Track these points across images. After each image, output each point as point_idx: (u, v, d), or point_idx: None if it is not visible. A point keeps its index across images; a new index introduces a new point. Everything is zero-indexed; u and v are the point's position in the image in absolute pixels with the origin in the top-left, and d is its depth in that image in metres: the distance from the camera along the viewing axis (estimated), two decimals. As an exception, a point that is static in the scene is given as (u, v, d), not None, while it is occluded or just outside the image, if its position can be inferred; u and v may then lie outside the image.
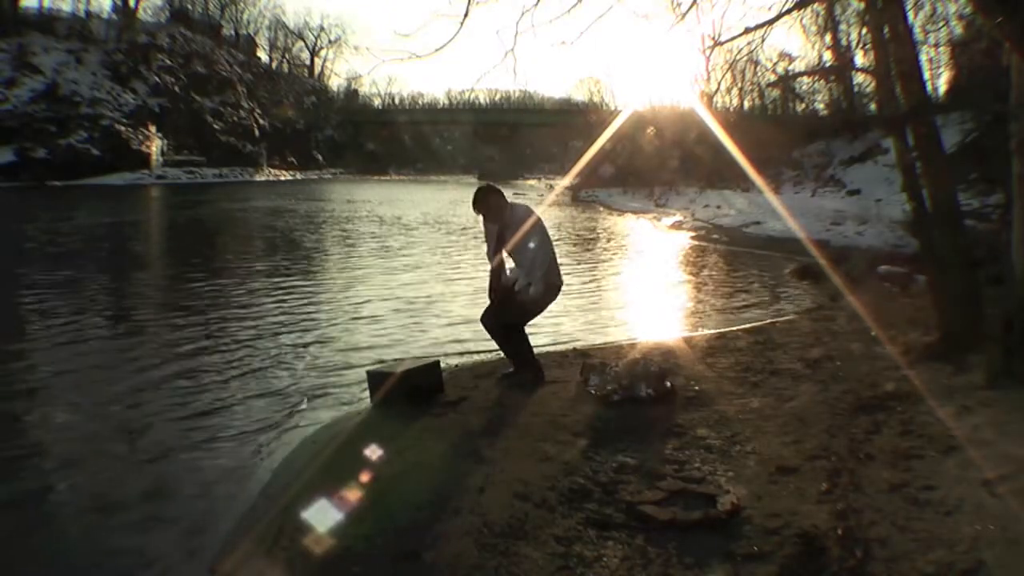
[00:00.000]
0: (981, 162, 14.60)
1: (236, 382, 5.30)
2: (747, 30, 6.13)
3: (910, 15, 6.84)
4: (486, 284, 5.19)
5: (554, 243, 5.16)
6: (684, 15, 6.30)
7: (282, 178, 57.61)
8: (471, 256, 12.95)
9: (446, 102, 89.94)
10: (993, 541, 2.57)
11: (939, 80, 25.88)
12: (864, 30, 18.44)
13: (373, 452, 3.84)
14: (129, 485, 3.66)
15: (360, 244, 15.50)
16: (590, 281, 10.89)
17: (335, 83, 78.92)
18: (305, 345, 6.44)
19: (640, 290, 10.54)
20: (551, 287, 5.05)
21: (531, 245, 4.94)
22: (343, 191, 40.69)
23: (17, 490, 3.63)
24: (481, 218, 5.13)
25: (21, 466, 3.92)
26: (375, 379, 4.77)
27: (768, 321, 7.72)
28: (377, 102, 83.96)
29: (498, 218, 5.03)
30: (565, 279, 5.32)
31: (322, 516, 3.14)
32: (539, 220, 5.04)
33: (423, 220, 22.20)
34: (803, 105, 34.03)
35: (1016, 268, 4.94)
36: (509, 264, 5.13)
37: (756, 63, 23.52)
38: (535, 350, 5.25)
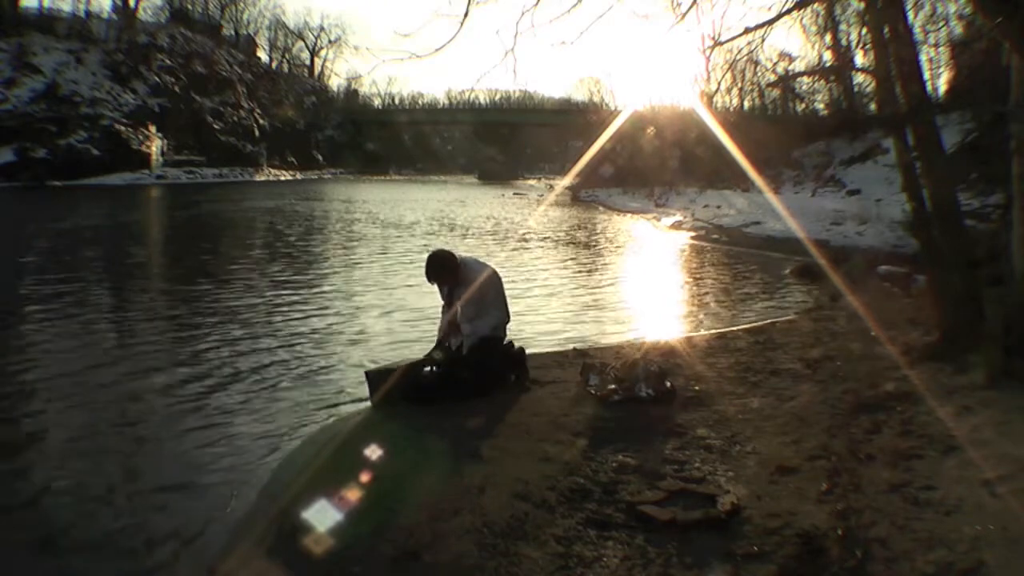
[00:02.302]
0: (981, 162, 14.60)
1: (235, 383, 5.29)
2: (747, 30, 6.13)
3: (910, 15, 6.84)
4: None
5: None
6: (684, 15, 6.30)
7: (282, 178, 57.60)
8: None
9: (446, 102, 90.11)
10: (993, 541, 2.57)
11: (939, 80, 25.91)
12: (864, 30, 18.43)
13: (373, 452, 3.85)
14: (128, 485, 3.66)
15: (360, 246, 15.49)
16: (590, 281, 10.88)
17: (335, 83, 79.12)
18: (304, 346, 6.43)
19: (640, 290, 10.53)
20: (497, 339, 5.02)
21: (488, 302, 4.95)
22: (343, 191, 40.69)
23: (16, 491, 3.63)
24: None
25: (20, 467, 3.93)
26: (374, 379, 4.77)
27: (768, 321, 7.71)
28: (377, 102, 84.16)
29: (451, 281, 5.01)
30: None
31: (322, 516, 3.15)
32: (493, 274, 5.05)
33: (422, 221, 22.18)
34: (803, 105, 34.04)
35: (1016, 268, 4.94)
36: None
37: (756, 63, 23.50)
38: (534, 350, 5.25)
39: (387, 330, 7.14)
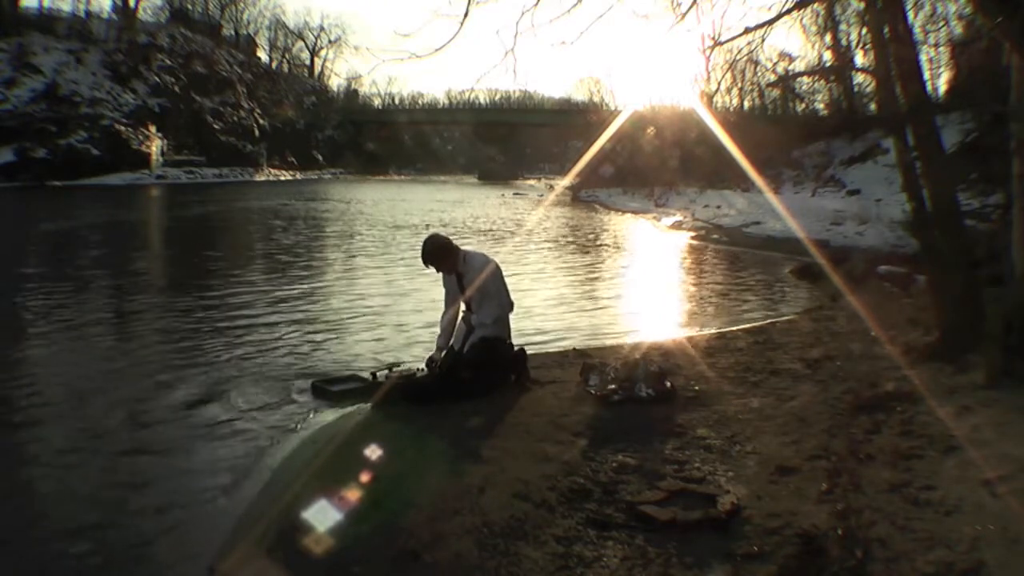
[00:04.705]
0: (981, 162, 14.60)
1: (234, 384, 5.28)
2: (747, 30, 6.13)
3: (910, 15, 6.84)
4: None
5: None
6: (684, 15, 6.30)
7: (282, 178, 57.57)
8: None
9: (446, 102, 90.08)
10: (993, 541, 2.57)
11: (939, 80, 25.91)
12: (864, 30, 18.45)
13: (373, 452, 3.84)
14: (129, 485, 3.66)
15: (359, 247, 15.51)
16: (590, 281, 10.89)
17: (335, 83, 79.14)
18: (304, 348, 6.42)
19: (640, 290, 10.53)
20: (499, 339, 5.02)
21: (490, 293, 4.98)
22: (343, 192, 40.68)
23: (15, 491, 3.63)
24: (434, 270, 5.12)
25: (20, 468, 3.93)
26: (320, 390, 4.93)
27: (768, 321, 7.72)
28: (377, 102, 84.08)
29: (452, 267, 5.03)
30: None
31: (322, 516, 3.15)
32: (496, 268, 5.08)
33: (423, 224, 22.17)
34: (803, 105, 34.02)
35: (1016, 268, 4.95)
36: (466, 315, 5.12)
37: (756, 63, 23.46)
38: (534, 350, 5.24)
39: (385, 333, 7.13)
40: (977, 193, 14.79)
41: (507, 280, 5.26)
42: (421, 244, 5.10)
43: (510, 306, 5.16)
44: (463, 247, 5.19)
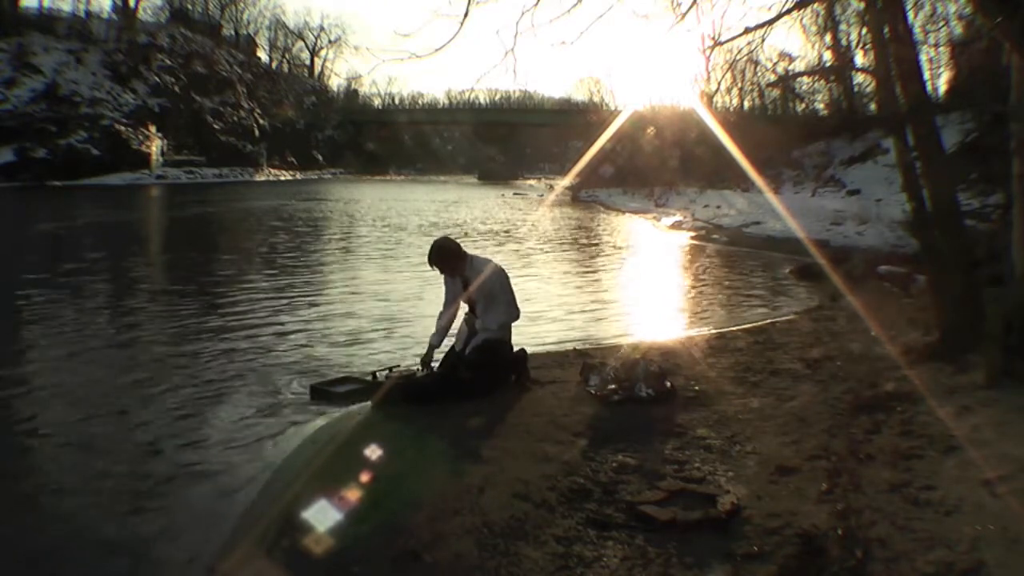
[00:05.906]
0: (981, 162, 14.60)
1: (234, 384, 5.29)
2: (747, 30, 6.13)
3: (910, 15, 6.84)
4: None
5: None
6: (684, 15, 6.29)
7: (282, 178, 57.58)
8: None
9: (446, 102, 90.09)
10: (993, 541, 2.57)
11: (939, 80, 25.91)
12: (864, 30, 18.46)
13: (373, 452, 3.84)
14: (129, 484, 3.66)
15: (360, 249, 15.51)
16: (590, 281, 10.89)
17: (335, 83, 79.20)
18: (304, 350, 6.42)
19: (640, 290, 10.53)
20: (501, 342, 5.01)
21: (496, 298, 4.96)
22: (343, 192, 40.67)
23: (15, 492, 3.63)
24: (439, 272, 5.10)
25: (20, 468, 3.93)
26: (319, 392, 4.91)
27: (768, 321, 7.71)
28: (377, 102, 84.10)
29: (458, 272, 5.01)
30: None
31: (322, 516, 3.15)
32: (503, 273, 5.06)
33: (426, 224, 22.17)
34: (803, 105, 34.03)
35: (1016, 268, 4.95)
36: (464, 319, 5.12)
37: (756, 63, 23.41)
38: (534, 350, 5.24)
39: (384, 334, 7.13)
40: (977, 193, 14.79)
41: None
42: (429, 246, 5.08)
43: (516, 314, 5.15)
44: (470, 252, 5.17)
